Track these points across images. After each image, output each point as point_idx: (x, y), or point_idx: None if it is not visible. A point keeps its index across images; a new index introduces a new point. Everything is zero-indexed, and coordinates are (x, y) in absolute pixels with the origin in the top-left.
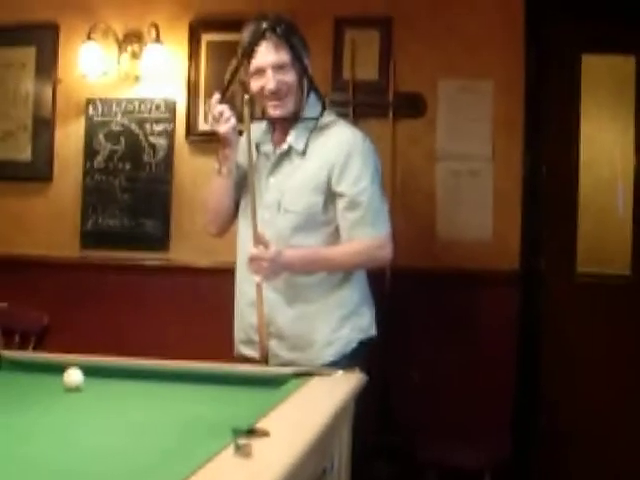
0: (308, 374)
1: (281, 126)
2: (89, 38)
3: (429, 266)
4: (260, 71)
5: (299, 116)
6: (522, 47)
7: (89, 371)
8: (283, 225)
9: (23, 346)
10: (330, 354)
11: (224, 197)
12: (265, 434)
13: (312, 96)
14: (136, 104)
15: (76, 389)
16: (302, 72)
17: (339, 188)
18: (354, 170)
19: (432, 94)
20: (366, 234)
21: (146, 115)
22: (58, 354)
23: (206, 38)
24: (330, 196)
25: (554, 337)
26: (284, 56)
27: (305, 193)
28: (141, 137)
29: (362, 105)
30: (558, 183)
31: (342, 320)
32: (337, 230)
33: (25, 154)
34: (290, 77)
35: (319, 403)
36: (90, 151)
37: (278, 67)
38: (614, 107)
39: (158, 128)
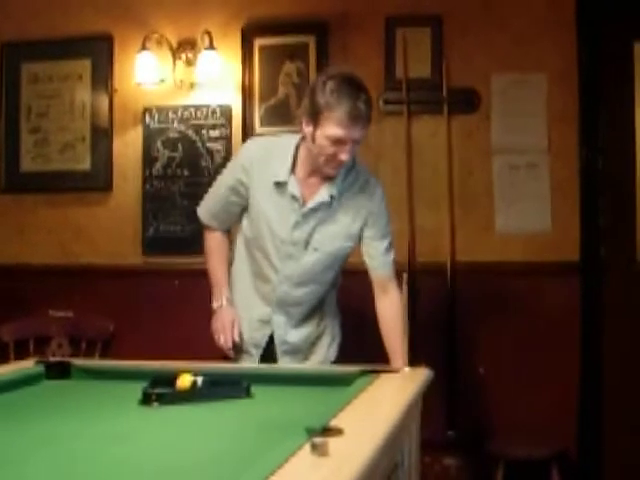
0: (374, 371)
1: (317, 179)
2: (144, 47)
3: (489, 260)
4: (340, 140)
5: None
6: (574, 38)
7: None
8: (308, 261)
9: (90, 354)
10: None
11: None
12: (339, 432)
13: None
14: (192, 111)
15: None
16: None
17: (371, 232)
18: (384, 218)
19: (485, 89)
20: (390, 263)
21: (202, 121)
22: (126, 361)
23: (259, 42)
24: (359, 239)
25: (616, 327)
26: (364, 133)
27: (338, 239)
28: (198, 143)
29: (416, 102)
30: (615, 172)
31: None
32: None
33: (84, 164)
34: (357, 148)
35: (389, 400)
36: (148, 159)
37: (356, 142)
38: None
39: (215, 134)
